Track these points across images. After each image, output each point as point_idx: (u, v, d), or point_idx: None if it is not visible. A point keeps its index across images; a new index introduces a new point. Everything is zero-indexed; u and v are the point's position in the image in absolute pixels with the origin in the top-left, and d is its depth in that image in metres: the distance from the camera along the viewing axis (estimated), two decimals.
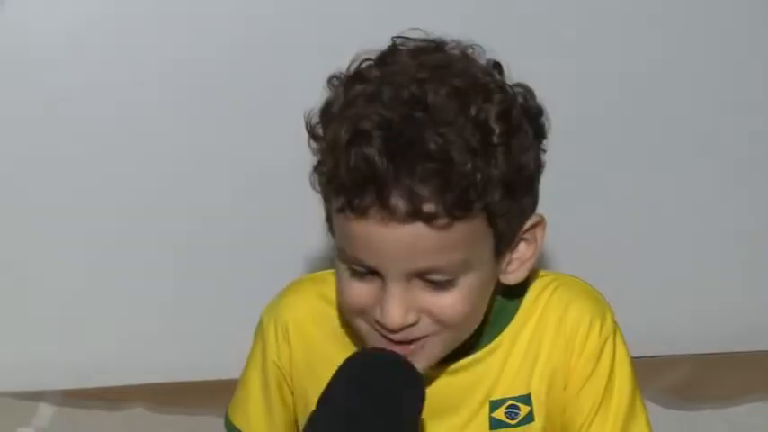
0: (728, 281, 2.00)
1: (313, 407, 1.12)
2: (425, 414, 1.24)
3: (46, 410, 1.79)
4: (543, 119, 1.22)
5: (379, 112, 1.12)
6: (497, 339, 1.29)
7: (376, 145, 1.11)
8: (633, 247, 1.97)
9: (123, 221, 1.86)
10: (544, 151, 1.23)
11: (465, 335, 1.23)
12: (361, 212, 1.13)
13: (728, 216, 1.98)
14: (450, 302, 1.17)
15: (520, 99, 1.19)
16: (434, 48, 1.20)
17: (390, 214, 1.12)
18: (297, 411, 1.35)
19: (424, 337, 1.19)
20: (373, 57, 1.19)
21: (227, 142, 1.84)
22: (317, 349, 1.27)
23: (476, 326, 1.24)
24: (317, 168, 1.18)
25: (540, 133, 1.21)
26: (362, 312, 1.20)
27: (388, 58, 1.19)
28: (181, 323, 1.89)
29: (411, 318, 1.17)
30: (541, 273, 1.32)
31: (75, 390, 1.82)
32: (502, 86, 1.19)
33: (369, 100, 1.14)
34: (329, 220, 1.21)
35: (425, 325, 1.18)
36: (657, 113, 1.92)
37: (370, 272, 1.17)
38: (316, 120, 1.19)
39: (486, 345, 1.28)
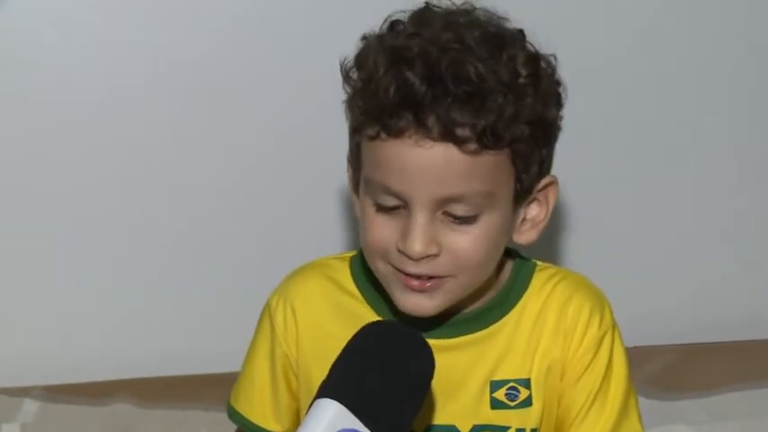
0: (708, 272, 2.02)
1: (316, 392, 1.11)
2: (431, 393, 1.26)
3: (30, 406, 1.77)
4: (561, 89, 1.26)
5: (419, 44, 1.18)
6: (501, 321, 1.31)
7: (416, 70, 1.16)
8: (613, 239, 1.98)
9: (109, 218, 1.85)
10: (561, 118, 1.26)
11: (478, 281, 1.26)
12: (397, 133, 1.17)
13: (711, 208, 2.00)
14: (469, 241, 1.21)
15: (543, 64, 1.24)
16: (464, 11, 1.24)
17: (425, 135, 1.16)
18: (300, 398, 1.34)
19: (441, 278, 1.22)
20: (406, 16, 1.24)
21: (217, 139, 1.84)
22: (325, 328, 1.28)
23: (488, 274, 1.27)
24: (351, 101, 1.22)
25: (558, 101, 1.26)
26: (385, 253, 1.23)
27: (422, 14, 1.24)
28: (167, 318, 1.89)
29: (433, 249, 1.20)
30: (547, 265, 1.35)
31: (59, 385, 1.80)
32: (526, 44, 1.24)
33: (408, 37, 1.20)
34: (354, 156, 1.25)
35: (443, 264, 1.21)
36: (646, 104, 1.94)
37: (395, 206, 1.20)
38: (350, 64, 1.23)
39: (490, 325, 1.31)
